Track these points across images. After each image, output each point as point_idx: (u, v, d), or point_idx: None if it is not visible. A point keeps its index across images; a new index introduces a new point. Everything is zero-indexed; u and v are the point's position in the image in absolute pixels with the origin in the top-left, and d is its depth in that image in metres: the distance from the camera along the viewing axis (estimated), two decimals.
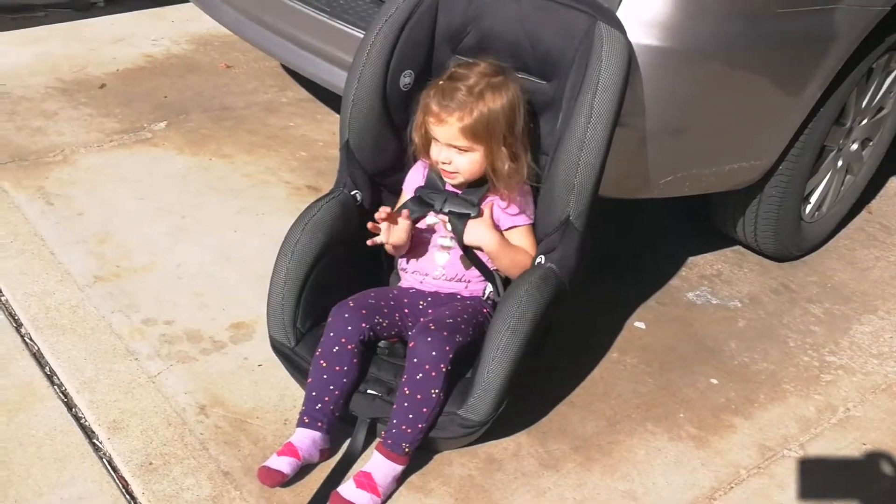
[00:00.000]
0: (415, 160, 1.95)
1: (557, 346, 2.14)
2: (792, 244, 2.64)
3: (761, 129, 2.21)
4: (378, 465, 1.66)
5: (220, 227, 2.39)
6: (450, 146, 1.80)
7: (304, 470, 1.68)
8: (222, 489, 1.64)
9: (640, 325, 2.35)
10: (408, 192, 1.94)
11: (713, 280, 2.60)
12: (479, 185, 1.88)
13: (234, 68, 3.35)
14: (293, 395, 1.85)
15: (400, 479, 1.71)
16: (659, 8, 1.87)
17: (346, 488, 1.63)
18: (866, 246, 2.85)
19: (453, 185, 1.89)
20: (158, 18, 3.66)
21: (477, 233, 1.82)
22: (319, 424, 1.70)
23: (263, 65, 3.37)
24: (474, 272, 1.89)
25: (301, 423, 1.70)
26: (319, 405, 1.71)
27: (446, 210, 1.85)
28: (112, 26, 3.53)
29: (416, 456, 1.74)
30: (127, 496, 1.60)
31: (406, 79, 1.88)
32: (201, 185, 2.57)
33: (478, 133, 1.77)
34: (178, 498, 1.60)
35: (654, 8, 1.87)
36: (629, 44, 1.78)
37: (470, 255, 1.86)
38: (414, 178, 1.94)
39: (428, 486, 1.73)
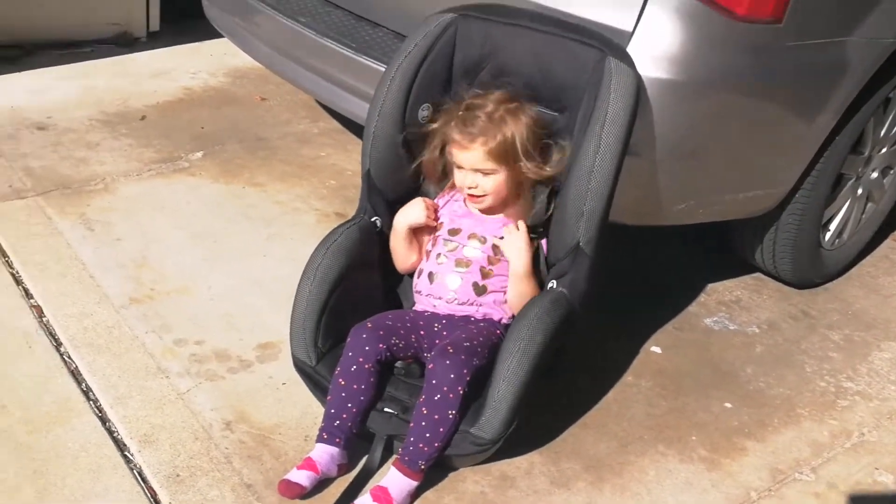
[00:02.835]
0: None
1: (571, 367, 2.20)
2: (812, 271, 2.66)
3: (775, 158, 2.26)
4: (394, 480, 1.73)
5: (251, 252, 2.49)
6: (475, 171, 1.89)
7: (322, 484, 1.75)
8: (244, 501, 1.72)
9: (656, 349, 2.40)
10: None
11: (731, 306, 2.63)
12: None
13: (268, 100, 3.48)
14: (314, 412, 1.93)
15: (414, 495, 1.78)
16: (669, 42, 1.95)
17: (363, 501, 1.70)
18: (890, 273, 2.87)
19: (480, 210, 1.97)
20: (197, 53, 3.81)
21: (518, 250, 1.90)
22: (337, 440, 1.77)
23: (297, 97, 3.49)
24: (486, 297, 1.96)
25: (320, 439, 1.78)
26: (338, 422, 1.78)
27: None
28: (154, 61, 3.69)
29: (431, 472, 1.81)
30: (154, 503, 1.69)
31: (424, 112, 1.97)
32: (234, 212, 2.68)
33: (501, 155, 1.88)
34: None
35: (664, 42, 1.95)
36: (638, 77, 1.86)
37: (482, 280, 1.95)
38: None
39: (442, 501, 1.80)
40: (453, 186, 2.01)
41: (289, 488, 1.69)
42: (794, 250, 2.53)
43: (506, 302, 1.97)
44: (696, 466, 2.00)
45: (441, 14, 1.99)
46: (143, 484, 1.73)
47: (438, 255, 1.99)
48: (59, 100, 3.23)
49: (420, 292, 2.01)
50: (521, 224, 1.96)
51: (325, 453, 1.76)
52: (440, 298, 1.97)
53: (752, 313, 2.61)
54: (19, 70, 3.41)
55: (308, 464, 1.73)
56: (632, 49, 1.94)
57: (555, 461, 1.95)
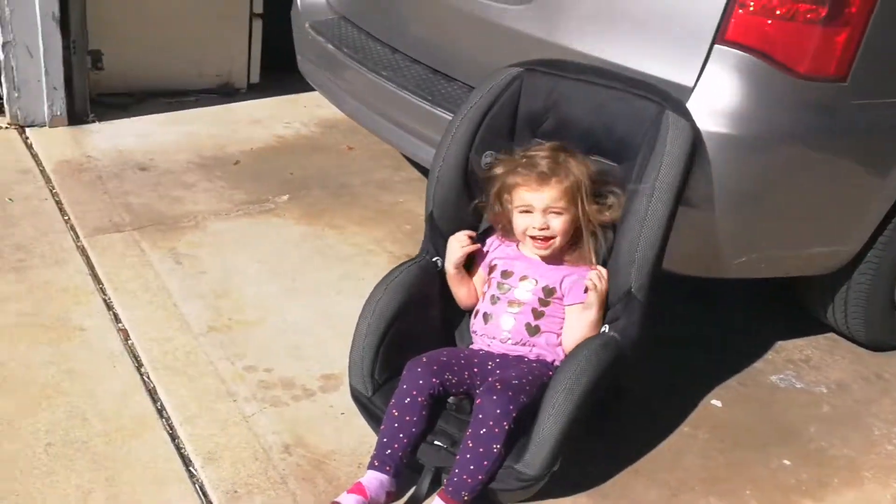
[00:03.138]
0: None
1: (630, 414, 2.22)
2: (886, 332, 2.60)
3: (842, 216, 2.25)
4: None
5: (324, 289, 2.62)
6: (547, 211, 1.96)
7: None
8: None
9: (716, 403, 2.38)
10: (480, 259, 2.12)
11: (800, 365, 2.60)
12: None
13: (355, 149, 3.66)
14: (369, 442, 2.00)
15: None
16: (728, 98, 2.00)
17: (348, 500, 1.75)
18: None
19: (544, 256, 2.04)
20: (292, 104, 4.04)
21: (597, 296, 1.96)
22: (388, 468, 1.84)
23: (381, 147, 3.64)
24: (539, 338, 2.02)
25: (371, 466, 1.85)
26: (389, 451, 1.86)
27: None
28: (252, 110, 3.94)
29: None
30: None
31: (487, 159, 2.07)
32: (313, 251, 2.83)
33: (572, 194, 1.96)
34: None
35: (724, 98, 2.00)
36: (694, 130, 1.91)
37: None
38: (490, 247, 2.12)
39: None
40: (504, 234, 2.08)
41: None
42: (866, 310, 2.49)
43: (559, 344, 2.02)
44: None
45: (508, 68, 2.10)
46: (203, 498, 1.84)
47: (493, 296, 2.07)
48: (161, 144, 3.48)
49: (476, 332, 2.08)
50: (604, 271, 2.00)
51: (374, 479, 1.83)
52: (494, 338, 2.04)
53: (822, 373, 2.57)
54: (129, 116, 3.69)
55: (358, 488, 1.80)
56: (692, 104, 2.00)
57: None
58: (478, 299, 2.11)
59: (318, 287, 2.63)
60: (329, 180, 3.35)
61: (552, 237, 1.98)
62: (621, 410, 2.21)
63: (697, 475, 2.10)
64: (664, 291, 2.73)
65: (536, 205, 1.96)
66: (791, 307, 2.71)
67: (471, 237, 2.09)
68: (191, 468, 1.91)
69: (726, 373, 2.50)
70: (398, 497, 1.87)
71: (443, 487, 1.81)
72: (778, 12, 1.94)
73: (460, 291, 2.12)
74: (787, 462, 2.19)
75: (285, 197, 3.17)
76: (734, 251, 2.16)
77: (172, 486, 1.86)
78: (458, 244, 2.08)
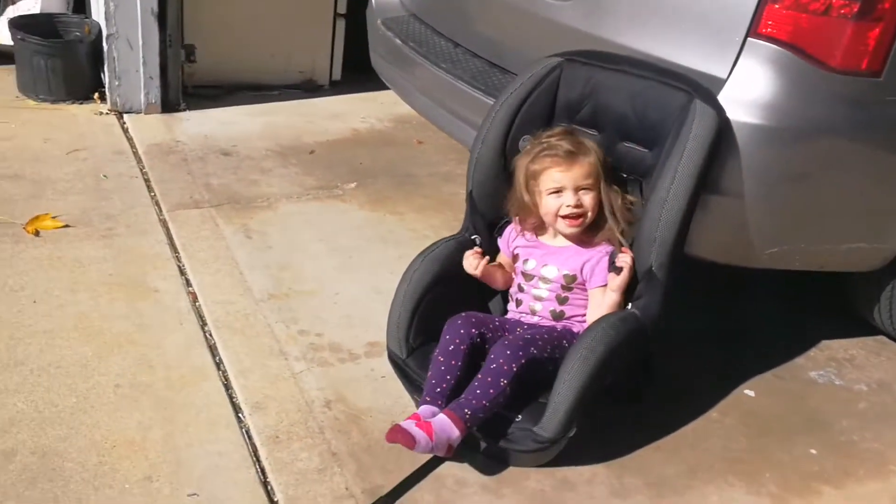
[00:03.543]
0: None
1: (659, 398, 2.30)
2: None
3: (878, 212, 2.27)
4: (440, 419, 1.88)
5: (379, 267, 2.79)
6: (577, 189, 2.07)
7: (401, 457, 1.97)
8: (328, 464, 1.97)
9: (749, 392, 2.43)
10: (504, 249, 2.25)
11: (843, 363, 2.62)
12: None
13: (424, 144, 3.83)
14: (403, 403, 2.16)
15: (454, 449, 1.90)
16: (761, 90, 2.06)
17: (407, 424, 1.87)
18: None
19: (570, 235, 2.15)
20: (370, 101, 4.25)
21: (619, 280, 2.06)
22: (439, 403, 1.96)
23: (450, 142, 3.79)
24: (566, 320, 2.13)
25: (423, 402, 1.98)
26: (438, 389, 1.98)
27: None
28: (331, 105, 4.16)
29: (498, 467, 1.98)
30: (253, 457, 1.97)
31: (524, 143, 2.19)
32: (372, 234, 3.01)
33: (597, 173, 2.07)
34: (293, 466, 1.95)
35: (756, 90, 2.07)
36: (720, 119, 1.99)
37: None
38: (509, 237, 2.25)
39: (501, 491, 1.96)
40: (523, 224, 2.19)
41: (394, 433, 1.85)
42: None
43: (584, 322, 2.12)
44: (762, 500, 2.04)
45: (548, 58, 2.22)
46: (248, 439, 2.03)
47: (519, 284, 2.20)
48: (244, 132, 3.73)
49: (510, 309, 2.21)
50: (628, 253, 2.08)
51: (427, 411, 1.95)
52: (524, 315, 2.16)
53: (864, 372, 2.58)
54: (217, 106, 3.97)
55: (414, 416, 1.92)
56: (725, 95, 2.07)
57: (618, 475, 2.06)
58: (513, 279, 2.23)
59: (374, 266, 2.80)
60: (396, 171, 3.53)
61: (583, 214, 2.09)
62: (650, 391, 2.30)
63: (718, 456, 2.17)
64: (718, 286, 2.84)
65: (567, 184, 2.07)
66: (843, 308, 2.72)
67: (479, 253, 2.17)
68: (239, 415, 2.11)
69: (765, 366, 2.55)
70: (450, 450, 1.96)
71: (449, 406, 1.92)
72: (810, 7, 2.00)
73: (494, 283, 2.25)
74: (812, 451, 2.23)
75: (353, 184, 3.37)
76: (765, 241, 2.21)
77: (222, 429, 2.05)
78: (471, 268, 2.17)
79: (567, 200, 2.09)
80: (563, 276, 2.13)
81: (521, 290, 2.19)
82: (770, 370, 2.54)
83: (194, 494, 1.86)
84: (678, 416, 2.29)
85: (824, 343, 2.70)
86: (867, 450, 2.25)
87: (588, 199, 2.08)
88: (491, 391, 1.91)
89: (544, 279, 2.15)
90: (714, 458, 2.16)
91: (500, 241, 2.25)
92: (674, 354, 2.46)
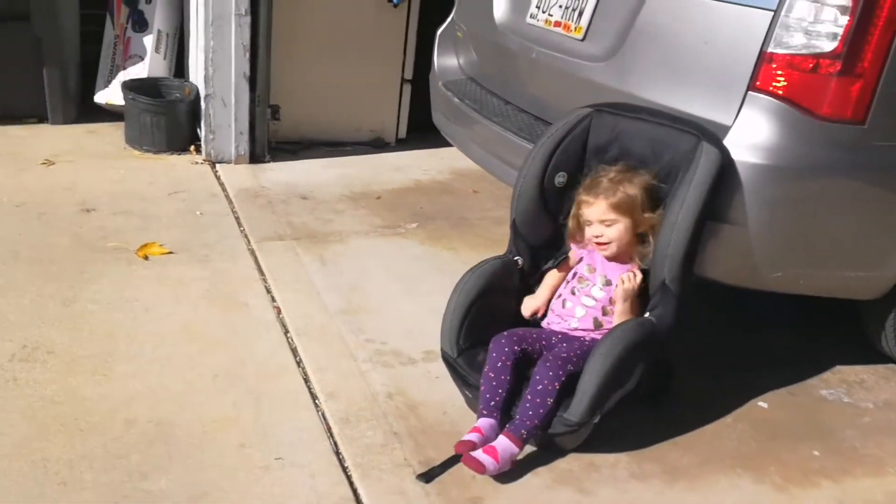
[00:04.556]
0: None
1: (680, 405, 2.63)
2: None
3: (872, 243, 2.58)
4: (502, 442, 2.25)
5: (434, 292, 3.17)
6: (600, 222, 2.46)
7: (451, 439, 2.33)
8: (390, 441, 2.35)
9: (763, 404, 2.74)
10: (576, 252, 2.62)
11: (853, 385, 2.90)
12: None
13: (479, 193, 4.27)
14: (453, 399, 2.54)
15: (515, 462, 2.29)
16: (761, 135, 2.43)
17: (477, 454, 2.24)
18: None
19: (607, 256, 2.52)
20: (433, 156, 4.72)
21: (627, 291, 2.43)
22: (494, 415, 2.32)
23: (504, 191, 4.19)
24: (601, 331, 2.48)
25: (481, 415, 2.33)
26: (493, 402, 2.34)
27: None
28: (396, 159, 4.65)
29: (533, 450, 2.33)
30: (328, 433, 2.37)
31: (560, 178, 2.60)
32: (429, 265, 3.43)
33: (621, 207, 2.44)
34: (360, 441, 2.34)
35: (757, 135, 2.43)
36: (723, 157, 2.36)
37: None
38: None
39: (536, 469, 2.30)
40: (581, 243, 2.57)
41: (462, 444, 2.24)
42: None
43: None
44: (765, 487, 2.34)
45: (581, 108, 2.64)
46: (323, 420, 2.42)
47: (573, 288, 2.56)
48: (320, 181, 4.22)
49: (553, 310, 2.58)
50: (638, 273, 2.47)
51: (485, 422, 2.31)
52: (564, 321, 2.53)
53: (872, 393, 2.86)
54: (297, 159, 4.49)
55: (475, 429, 2.29)
56: (730, 139, 2.45)
57: (639, 462, 2.39)
58: (545, 307, 2.61)
59: (430, 291, 3.20)
60: (452, 214, 3.96)
61: (607, 242, 2.47)
62: (670, 396, 2.63)
63: (729, 453, 2.48)
64: (743, 310, 3.16)
65: (592, 217, 2.47)
66: (857, 335, 2.99)
67: (535, 312, 2.60)
68: (316, 401, 2.51)
69: (780, 383, 2.84)
70: None
71: (507, 427, 2.30)
72: (801, 66, 2.38)
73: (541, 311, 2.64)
74: (816, 453, 2.52)
75: (414, 224, 3.80)
76: (770, 266, 2.55)
77: (302, 411, 2.45)
78: (526, 311, 2.61)
79: (593, 231, 2.48)
80: (613, 290, 2.47)
81: (573, 293, 2.55)
82: (784, 387, 2.84)
83: (280, 459, 2.25)
84: (696, 419, 2.60)
85: (838, 367, 2.99)
86: (867, 455, 2.53)
87: (610, 231, 2.46)
88: (541, 411, 2.27)
89: (598, 289, 2.49)
90: (725, 454, 2.47)
91: (575, 246, 2.61)
92: (696, 369, 2.79)
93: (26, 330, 2.72)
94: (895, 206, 2.54)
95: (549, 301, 2.61)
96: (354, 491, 2.17)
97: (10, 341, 2.65)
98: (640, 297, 2.47)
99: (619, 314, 2.44)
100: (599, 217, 2.47)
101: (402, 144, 4.88)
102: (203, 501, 2.09)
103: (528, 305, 2.62)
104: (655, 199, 2.48)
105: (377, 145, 4.82)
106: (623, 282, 2.42)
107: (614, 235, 2.47)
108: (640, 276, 2.45)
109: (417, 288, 3.23)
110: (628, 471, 2.35)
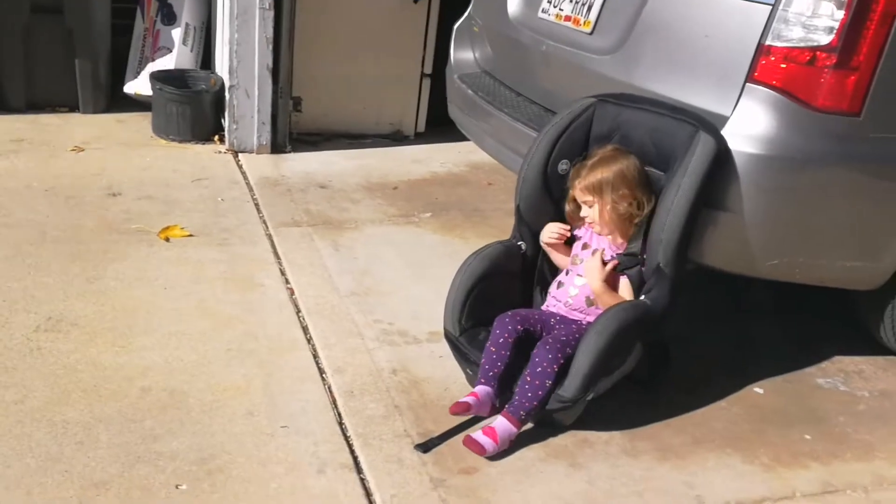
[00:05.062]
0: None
1: (675, 388, 2.70)
2: None
3: (866, 234, 2.64)
4: (501, 423, 2.35)
5: (444, 278, 3.21)
6: (583, 202, 2.56)
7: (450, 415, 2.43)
8: (391, 413, 2.45)
9: (758, 390, 2.80)
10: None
11: (851, 375, 2.95)
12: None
13: (493, 185, 4.36)
14: (454, 376, 2.63)
15: (513, 440, 2.38)
16: (758, 126, 2.50)
17: (477, 436, 2.34)
18: None
19: (597, 232, 2.60)
20: (450, 150, 4.81)
21: (589, 270, 2.52)
22: (492, 384, 2.43)
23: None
24: (595, 308, 2.57)
25: (479, 383, 2.44)
26: (491, 373, 2.44)
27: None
28: (414, 152, 4.76)
29: (529, 427, 2.42)
30: (332, 404, 2.48)
31: (563, 166, 2.68)
32: (441, 253, 3.52)
33: (592, 188, 2.52)
34: (363, 413, 2.45)
35: (754, 126, 2.51)
36: (719, 146, 2.43)
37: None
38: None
39: (531, 445, 2.39)
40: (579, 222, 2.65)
41: (457, 405, 2.37)
42: None
43: None
44: (753, 467, 2.41)
45: (584, 98, 2.72)
46: (329, 392, 2.53)
47: (567, 271, 2.65)
48: (339, 171, 4.34)
49: (551, 293, 2.67)
50: (598, 254, 2.55)
51: (482, 390, 2.42)
52: (560, 301, 2.62)
53: (869, 382, 2.91)
54: (317, 150, 4.61)
55: (471, 394, 2.41)
56: (729, 129, 2.52)
57: (631, 439, 2.47)
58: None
59: (440, 277, 3.26)
60: (466, 206, 4.06)
61: (591, 222, 2.56)
62: (667, 381, 2.70)
63: (721, 434, 2.55)
64: (747, 299, 3.22)
65: (576, 198, 2.57)
66: (857, 326, 3.04)
67: (564, 231, 2.65)
68: (323, 375, 2.62)
69: (777, 371, 2.90)
70: (497, 411, 2.40)
71: (506, 408, 2.39)
72: (797, 59, 2.45)
73: (554, 258, 2.71)
74: (807, 436, 2.58)
75: (428, 214, 3.90)
76: (765, 253, 2.62)
77: (309, 384, 2.56)
78: (549, 230, 2.66)
79: (582, 212, 2.58)
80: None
81: (566, 273, 2.64)
82: (781, 374, 2.90)
83: (285, 427, 2.36)
84: (690, 402, 2.68)
85: (837, 357, 3.04)
86: (858, 440, 2.59)
87: (591, 211, 2.55)
88: (539, 392, 2.36)
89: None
90: (716, 434, 2.54)
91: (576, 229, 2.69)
92: (694, 354, 2.87)
93: (51, 304, 2.86)
94: (889, 198, 2.60)
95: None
96: (355, 458, 2.28)
97: (36, 314, 2.79)
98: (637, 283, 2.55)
99: (598, 297, 2.52)
100: (580, 198, 2.57)
101: (420, 138, 4.98)
102: (211, 463, 2.20)
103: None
104: (647, 181, 2.56)
105: (396, 138, 4.93)
106: (588, 261, 2.53)
107: (592, 215, 2.55)
108: (607, 256, 2.54)
109: (427, 274, 3.33)
110: (620, 447, 2.43)
